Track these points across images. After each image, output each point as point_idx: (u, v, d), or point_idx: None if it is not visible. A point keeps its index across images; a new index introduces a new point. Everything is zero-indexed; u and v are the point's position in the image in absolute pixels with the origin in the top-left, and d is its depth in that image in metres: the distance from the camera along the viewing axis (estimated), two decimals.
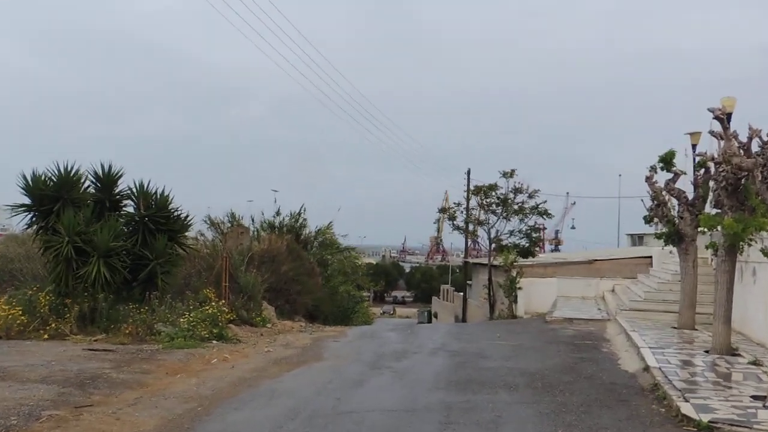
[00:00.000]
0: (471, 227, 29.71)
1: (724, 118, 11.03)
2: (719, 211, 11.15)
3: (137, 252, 13.88)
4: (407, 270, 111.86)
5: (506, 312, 22.94)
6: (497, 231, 27.40)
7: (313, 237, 28.40)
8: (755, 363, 9.89)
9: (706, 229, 12.17)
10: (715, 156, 11.20)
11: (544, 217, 28.09)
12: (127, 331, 12.65)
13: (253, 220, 27.43)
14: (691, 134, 18.35)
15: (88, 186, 14.35)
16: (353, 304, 29.05)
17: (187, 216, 15.29)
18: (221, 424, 6.95)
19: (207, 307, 13.79)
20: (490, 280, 26.91)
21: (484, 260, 30.06)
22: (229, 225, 25.19)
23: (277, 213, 28.09)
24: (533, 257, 27.73)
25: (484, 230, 27.89)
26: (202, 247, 19.93)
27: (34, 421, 6.69)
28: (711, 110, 11.07)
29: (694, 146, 18.08)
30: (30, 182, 13.52)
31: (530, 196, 26.86)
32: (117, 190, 14.67)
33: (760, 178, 10.31)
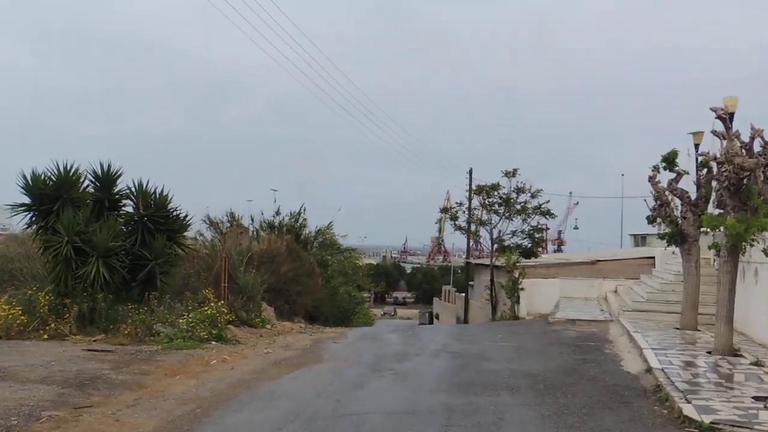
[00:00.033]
0: (473, 227, 29.71)
1: (727, 117, 11.05)
2: (722, 211, 11.17)
3: (136, 252, 13.92)
4: (408, 271, 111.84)
5: (508, 313, 22.96)
6: (499, 231, 27.42)
7: (312, 237, 28.43)
8: (757, 364, 9.92)
9: (708, 230, 12.19)
10: (718, 156, 11.22)
11: (547, 217, 28.11)
12: (126, 332, 12.69)
13: (252, 220, 27.48)
14: (694, 134, 18.36)
15: (88, 185, 14.40)
16: (354, 305, 29.06)
17: (186, 216, 15.36)
18: (220, 426, 6.98)
19: (206, 308, 13.81)
20: (492, 280, 26.91)
21: (486, 261, 30.04)
22: (229, 225, 25.23)
23: (277, 213, 28.15)
24: (536, 258, 27.73)
25: (487, 230, 27.91)
26: (201, 247, 19.96)
27: (34, 422, 6.73)
28: (713, 110, 11.09)
29: (696, 146, 18.09)
30: (30, 182, 13.57)
31: (533, 196, 26.88)
32: (116, 190, 14.71)
33: (762, 178, 10.36)
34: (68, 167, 13.79)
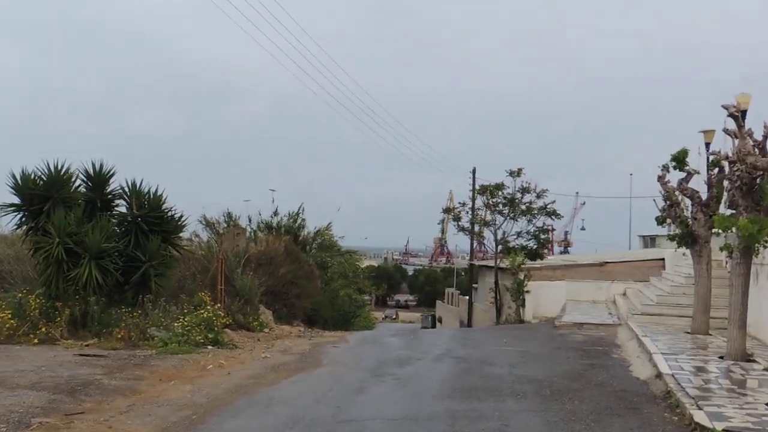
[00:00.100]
0: (477, 228, 29.78)
1: (739, 115, 11.04)
2: (734, 211, 11.15)
3: (130, 253, 13.89)
4: (410, 273, 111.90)
5: (513, 316, 22.97)
6: (504, 232, 27.48)
7: (311, 238, 28.43)
8: None
9: (720, 231, 12.17)
10: (730, 155, 11.21)
11: (553, 217, 28.19)
12: (120, 336, 12.67)
13: (250, 221, 27.47)
14: (705, 132, 18.33)
15: (79, 185, 14.36)
16: (355, 308, 29.06)
17: (182, 216, 15.31)
18: None
19: (202, 311, 13.79)
20: (496, 283, 26.94)
21: (491, 263, 30.07)
22: (225, 225, 25.23)
23: (275, 213, 28.12)
24: (541, 259, 27.78)
25: (491, 231, 27.99)
26: (196, 248, 19.93)
27: (24, 429, 6.71)
28: (725, 107, 11.08)
29: (707, 145, 18.04)
30: (19, 181, 13.54)
31: (538, 196, 26.92)
32: (109, 190, 14.68)
33: None
34: (59, 166, 13.77)
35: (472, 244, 37.36)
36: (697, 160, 17.08)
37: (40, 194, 13.50)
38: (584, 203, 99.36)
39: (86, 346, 12.24)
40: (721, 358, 10.90)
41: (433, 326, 47.75)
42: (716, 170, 13.90)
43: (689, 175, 14.71)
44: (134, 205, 14.40)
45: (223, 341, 13.45)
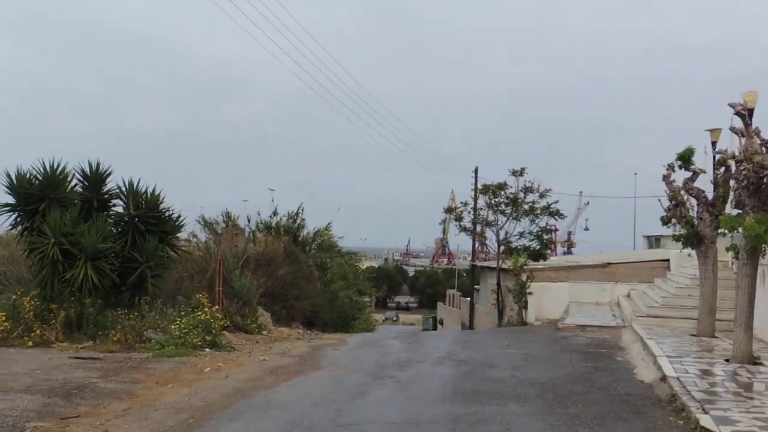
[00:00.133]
0: (479, 228, 29.78)
1: (746, 113, 11.02)
2: (740, 211, 11.13)
3: (126, 254, 13.90)
4: (411, 274, 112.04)
5: (516, 318, 22.97)
6: (506, 232, 27.50)
7: (311, 238, 28.44)
8: None
9: (726, 231, 12.15)
10: (736, 153, 11.18)
11: (556, 217, 28.21)
12: (116, 338, 12.67)
13: (249, 220, 27.51)
14: (711, 131, 18.32)
15: (75, 185, 14.37)
16: (355, 310, 29.07)
17: (179, 216, 15.33)
18: None
19: (199, 313, 13.79)
20: (498, 284, 26.94)
21: (493, 263, 30.07)
22: (224, 225, 25.24)
23: (274, 213, 28.18)
24: (544, 260, 27.79)
25: (493, 232, 28.01)
26: (194, 249, 19.96)
27: None
28: (732, 105, 11.06)
29: (713, 143, 18.06)
30: (14, 181, 13.55)
31: (541, 196, 26.94)
32: (105, 189, 14.69)
33: None
34: (55, 165, 13.78)
35: (474, 245, 37.37)
36: (703, 159, 17.09)
37: (36, 194, 13.51)
38: (588, 203, 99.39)
39: (82, 348, 12.24)
40: (727, 361, 10.88)
41: (435, 328, 47.77)
42: (722, 169, 13.87)
43: (695, 174, 14.69)
44: (131, 205, 14.40)
45: (221, 344, 13.44)
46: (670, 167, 14.85)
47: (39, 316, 12.91)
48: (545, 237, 27.91)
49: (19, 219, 13.81)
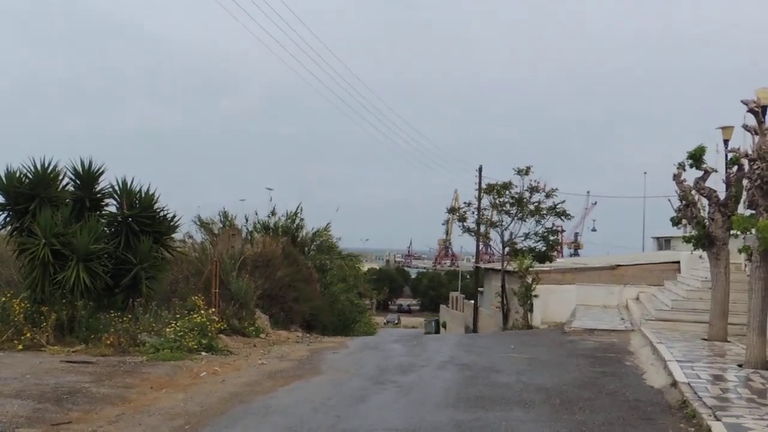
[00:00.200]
0: (483, 229, 29.71)
1: (759, 110, 11.00)
2: (753, 212, 11.11)
3: (120, 255, 13.89)
4: (413, 276, 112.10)
5: (521, 322, 22.93)
6: (511, 233, 27.39)
7: (310, 239, 28.45)
8: None
9: (738, 232, 12.13)
10: (749, 152, 11.16)
11: (563, 218, 28.08)
12: (109, 342, 12.67)
13: (247, 220, 27.50)
14: (723, 129, 18.28)
15: (67, 183, 14.36)
16: (355, 313, 29.07)
17: (174, 216, 15.32)
18: None
19: (195, 316, 13.79)
20: (503, 287, 26.89)
21: (497, 265, 30.02)
22: (221, 226, 25.26)
23: (272, 213, 28.16)
24: (550, 262, 27.68)
25: (497, 232, 27.88)
26: (190, 250, 19.96)
27: None
28: (745, 102, 11.04)
29: (726, 141, 18.02)
30: (4, 179, 13.55)
31: (547, 196, 26.84)
32: (98, 188, 14.67)
33: None
34: (45, 164, 13.76)
35: (477, 246, 37.35)
36: (715, 158, 17.06)
37: (26, 193, 13.50)
38: (596, 203, 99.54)
39: (73, 352, 12.24)
40: (740, 366, 10.86)
41: (437, 332, 47.76)
42: (735, 168, 13.84)
43: (706, 173, 14.67)
44: (125, 204, 14.39)
45: (218, 347, 13.44)
46: (681, 166, 14.83)
47: (29, 319, 12.91)
48: (551, 238, 27.78)
49: (8, 219, 13.80)
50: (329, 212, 77.29)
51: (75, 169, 14.40)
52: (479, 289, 38.90)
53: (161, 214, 14.82)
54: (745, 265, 14.91)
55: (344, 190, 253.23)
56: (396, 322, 73.99)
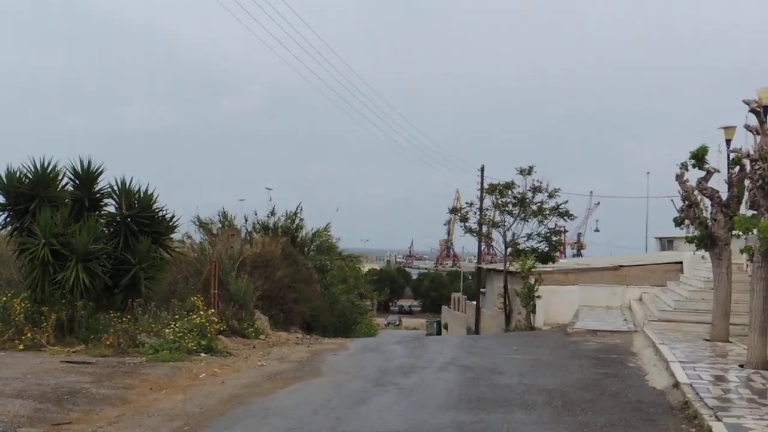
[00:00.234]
0: (485, 229, 29.73)
1: (761, 110, 11.05)
2: (755, 212, 11.16)
3: (119, 256, 13.93)
4: (414, 276, 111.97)
5: (523, 323, 22.96)
6: (514, 234, 27.44)
7: (310, 239, 28.46)
8: None
9: (741, 232, 12.18)
10: (751, 152, 11.21)
11: (566, 218, 28.15)
12: (108, 342, 12.72)
13: (246, 220, 27.51)
14: (726, 128, 18.34)
15: (66, 183, 14.39)
16: (356, 314, 29.07)
17: (173, 216, 15.34)
18: None
19: (194, 317, 13.82)
20: (505, 287, 26.94)
21: (500, 266, 30.09)
22: (220, 226, 25.28)
23: (272, 213, 28.15)
24: (553, 263, 27.74)
25: (500, 233, 27.93)
26: (189, 250, 19.99)
27: None
28: (746, 102, 11.09)
29: (728, 142, 18.08)
30: (4, 179, 13.61)
31: (550, 196, 26.88)
32: (97, 188, 14.70)
33: None
34: (45, 164, 13.81)
35: (479, 247, 37.40)
36: (717, 158, 17.13)
37: (26, 193, 13.55)
38: (598, 203, 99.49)
39: (73, 352, 12.30)
40: (742, 366, 10.91)
41: (439, 333, 47.73)
42: (737, 169, 13.90)
43: (709, 173, 14.72)
44: (123, 204, 14.43)
45: (217, 348, 13.48)
46: (684, 166, 14.89)
47: (30, 319, 12.96)
48: (554, 239, 27.84)
49: (8, 219, 13.85)
50: (329, 211, 77.31)
51: (74, 169, 14.44)
52: (481, 290, 38.94)
53: (160, 214, 14.85)
54: (747, 266, 14.93)
55: (345, 189, 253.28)
56: (397, 323, 73.95)
